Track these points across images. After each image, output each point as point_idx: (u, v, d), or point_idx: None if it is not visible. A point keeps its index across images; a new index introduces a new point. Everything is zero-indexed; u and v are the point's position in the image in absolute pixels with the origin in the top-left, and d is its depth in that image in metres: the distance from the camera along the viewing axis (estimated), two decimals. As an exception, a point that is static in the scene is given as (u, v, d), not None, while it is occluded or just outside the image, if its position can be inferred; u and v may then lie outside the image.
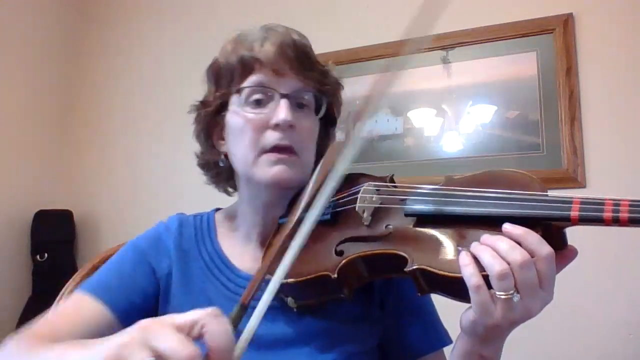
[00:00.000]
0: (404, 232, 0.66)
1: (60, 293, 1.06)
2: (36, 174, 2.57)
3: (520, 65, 1.93)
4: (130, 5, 2.73)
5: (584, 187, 1.80)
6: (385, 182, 0.77)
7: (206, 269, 0.82)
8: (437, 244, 0.62)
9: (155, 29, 2.63)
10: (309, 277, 0.68)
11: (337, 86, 0.87)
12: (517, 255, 0.54)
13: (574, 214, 0.54)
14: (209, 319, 0.45)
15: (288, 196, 0.80)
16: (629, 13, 1.83)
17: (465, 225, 0.61)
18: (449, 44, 2.03)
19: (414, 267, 0.60)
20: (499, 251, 0.54)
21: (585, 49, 1.86)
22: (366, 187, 0.74)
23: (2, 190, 2.38)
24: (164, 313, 0.78)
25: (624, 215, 0.52)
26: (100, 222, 2.61)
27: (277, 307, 0.74)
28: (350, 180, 0.82)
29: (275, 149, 0.76)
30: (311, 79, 0.81)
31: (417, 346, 0.81)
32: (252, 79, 0.78)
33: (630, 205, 0.52)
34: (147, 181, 2.52)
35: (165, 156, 2.46)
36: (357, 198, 0.72)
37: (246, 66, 0.79)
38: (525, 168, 1.94)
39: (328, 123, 0.88)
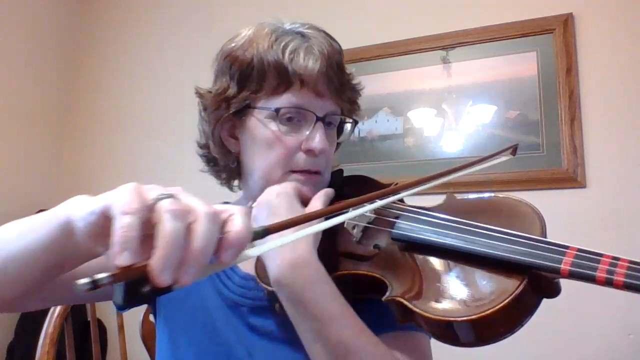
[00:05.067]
0: (390, 256, 0.64)
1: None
2: (36, 173, 2.57)
3: (520, 65, 1.93)
4: (130, 4, 2.73)
5: (584, 187, 1.80)
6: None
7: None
8: (419, 276, 0.60)
9: (156, 29, 2.62)
10: None
11: (358, 96, 0.84)
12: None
13: (565, 267, 0.51)
14: (238, 213, 0.44)
15: None
16: (629, 13, 1.83)
17: (451, 258, 0.59)
18: (449, 44, 2.03)
19: (392, 297, 0.59)
20: None
21: (585, 49, 1.86)
22: None
23: (2, 189, 2.38)
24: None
25: (619, 279, 0.48)
26: (100, 222, 2.60)
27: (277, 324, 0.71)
28: (352, 185, 0.80)
29: (305, 171, 0.74)
30: (344, 100, 0.78)
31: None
32: (289, 98, 0.73)
33: (628, 269, 0.48)
34: (147, 181, 2.49)
35: (166, 156, 2.46)
36: None
37: (284, 79, 0.73)
38: (525, 168, 1.96)
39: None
